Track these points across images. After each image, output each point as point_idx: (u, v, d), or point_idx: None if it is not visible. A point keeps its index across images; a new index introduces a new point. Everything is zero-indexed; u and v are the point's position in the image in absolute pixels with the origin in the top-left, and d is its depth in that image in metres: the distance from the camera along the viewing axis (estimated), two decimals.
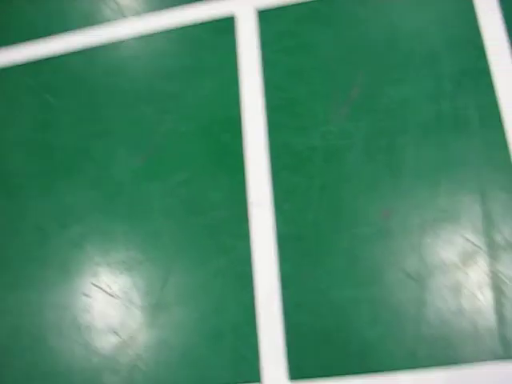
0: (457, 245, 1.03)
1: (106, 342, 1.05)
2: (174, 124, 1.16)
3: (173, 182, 1.10)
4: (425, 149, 1.07)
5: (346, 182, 1.06)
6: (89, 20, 1.33)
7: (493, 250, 1.02)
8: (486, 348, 0.97)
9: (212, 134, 1.14)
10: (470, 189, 1.05)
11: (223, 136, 1.14)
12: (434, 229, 1.04)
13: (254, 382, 1.01)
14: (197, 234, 1.06)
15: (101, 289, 1.08)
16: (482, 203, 1.04)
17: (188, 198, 1.09)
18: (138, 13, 1.32)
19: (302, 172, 1.07)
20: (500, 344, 0.97)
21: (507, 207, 1.03)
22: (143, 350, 1.04)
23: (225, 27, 1.25)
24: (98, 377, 1.04)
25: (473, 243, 1.03)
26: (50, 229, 1.14)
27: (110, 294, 1.07)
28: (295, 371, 1.00)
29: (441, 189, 1.06)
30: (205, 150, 1.12)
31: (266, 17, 1.23)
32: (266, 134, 1.12)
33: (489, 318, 0.98)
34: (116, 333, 1.05)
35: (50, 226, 1.14)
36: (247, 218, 1.06)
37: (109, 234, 1.09)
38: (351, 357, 0.99)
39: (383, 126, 1.09)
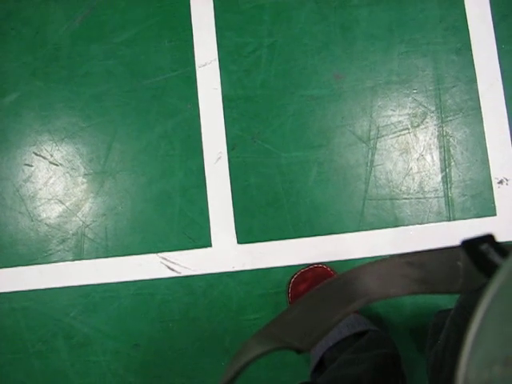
0: (407, 107, 1.02)
1: (51, 212, 1.02)
2: None
3: (114, 43, 1.03)
4: (378, 10, 1.03)
5: (296, 43, 1.01)
6: None
7: (443, 113, 1.01)
8: (432, 209, 0.99)
9: None
10: (422, 52, 1.02)
11: None
12: (385, 91, 1.02)
13: (204, 247, 1.01)
14: (141, 97, 1.01)
15: (43, 157, 1.03)
16: (435, 67, 1.02)
17: (131, 60, 1.02)
18: None
19: (250, 32, 1.02)
20: (445, 205, 0.99)
21: (458, 71, 1.01)
22: (90, 219, 1.02)
23: None
24: (45, 247, 1.02)
25: (424, 106, 1.01)
26: None
27: (52, 163, 1.03)
28: (244, 235, 1.00)
29: (394, 51, 1.02)
30: (148, 8, 1.04)
31: None
32: None
33: (435, 179, 0.99)
34: (61, 202, 1.02)
35: None
36: (194, 79, 1.01)
37: (48, 100, 1.03)
38: (300, 219, 0.99)
39: None
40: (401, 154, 1.01)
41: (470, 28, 1.02)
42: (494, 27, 1.02)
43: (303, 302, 0.35)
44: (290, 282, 0.95)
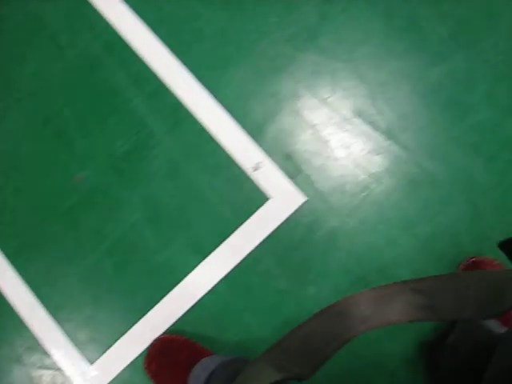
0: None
1: None
2: None
3: None
4: None
5: None
6: None
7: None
8: (222, 222, 1.02)
9: None
10: None
11: None
12: None
13: None
14: None
15: None
16: None
17: None
18: None
19: None
20: (231, 214, 1.01)
21: None
22: None
23: None
24: None
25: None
26: None
27: None
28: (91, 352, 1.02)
29: None
30: None
31: None
32: None
33: (202, 203, 1.02)
34: None
35: None
36: None
37: None
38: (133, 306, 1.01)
39: None
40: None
41: None
42: None
43: (301, 328, 0.34)
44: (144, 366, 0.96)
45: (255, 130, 1.02)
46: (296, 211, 0.99)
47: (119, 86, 1.06)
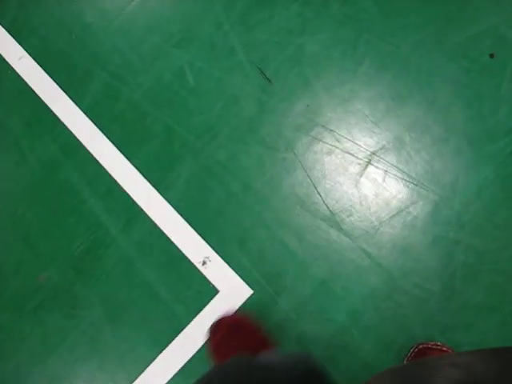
0: None
1: None
2: None
3: None
4: None
5: None
6: None
7: None
8: (170, 322, 1.05)
9: None
10: None
11: None
12: None
13: None
14: None
15: None
16: None
17: None
18: None
19: None
20: (182, 309, 1.05)
21: None
22: None
23: None
24: None
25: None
26: None
27: None
28: None
29: None
30: None
31: None
32: None
33: (162, 308, 1.06)
34: None
35: None
36: None
37: None
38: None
39: None
40: None
41: None
42: None
43: None
44: (209, 331, 0.96)
45: (203, 226, 1.06)
46: (244, 303, 1.02)
47: (76, 187, 1.13)
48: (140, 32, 1.17)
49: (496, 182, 0.98)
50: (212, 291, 1.04)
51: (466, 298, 0.96)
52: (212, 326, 0.96)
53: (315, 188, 1.03)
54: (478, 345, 0.92)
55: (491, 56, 1.02)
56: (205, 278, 1.05)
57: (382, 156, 1.02)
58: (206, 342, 0.97)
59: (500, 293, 0.95)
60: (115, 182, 1.11)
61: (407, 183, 1.01)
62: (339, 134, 1.05)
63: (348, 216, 1.01)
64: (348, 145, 1.04)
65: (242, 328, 0.95)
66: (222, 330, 0.95)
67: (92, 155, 1.14)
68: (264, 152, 1.06)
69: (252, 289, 1.02)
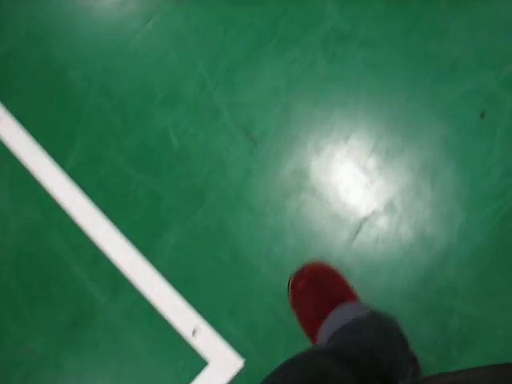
0: None
1: None
2: None
3: None
4: None
5: None
6: None
7: None
8: None
9: None
10: None
11: None
12: None
13: None
14: None
15: None
16: None
17: None
18: None
19: None
20: None
21: None
22: None
23: None
24: None
25: None
26: None
27: None
28: None
29: None
30: None
31: None
32: None
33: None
34: None
35: None
36: None
37: None
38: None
39: None
40: None
41: None
42: None
43: None
44: (288, 283, 0.94)
45: (192, 294, 1.04)
46: (236, 374, 0.99)
47: (60, 254, 1.10)
48: (121, 91, 1.14)
49: (489, 247, 0.96)
50: (202, 362, 1.02)
51: (464, 366, 0.94)
52: (292, 277, 0.92)
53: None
54: None
55: (482, 115, 1.00)
56: (194, 349, 1.02)
57: (372, 221, 1.00)
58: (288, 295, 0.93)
59: (496, 361, 0.93)
60: (100, 249, 1.08)
61: (398, 248, 0.99)
62: (328, 197, 1.03)
63: None
64: (338, 209, 1.02)
65: (325, 276, 0.92)
66: (304, 279, 0.91)
67: (76, 221, 1.11)
68: (252, 218, 1.04)
69: (243, 358, 1.00)
